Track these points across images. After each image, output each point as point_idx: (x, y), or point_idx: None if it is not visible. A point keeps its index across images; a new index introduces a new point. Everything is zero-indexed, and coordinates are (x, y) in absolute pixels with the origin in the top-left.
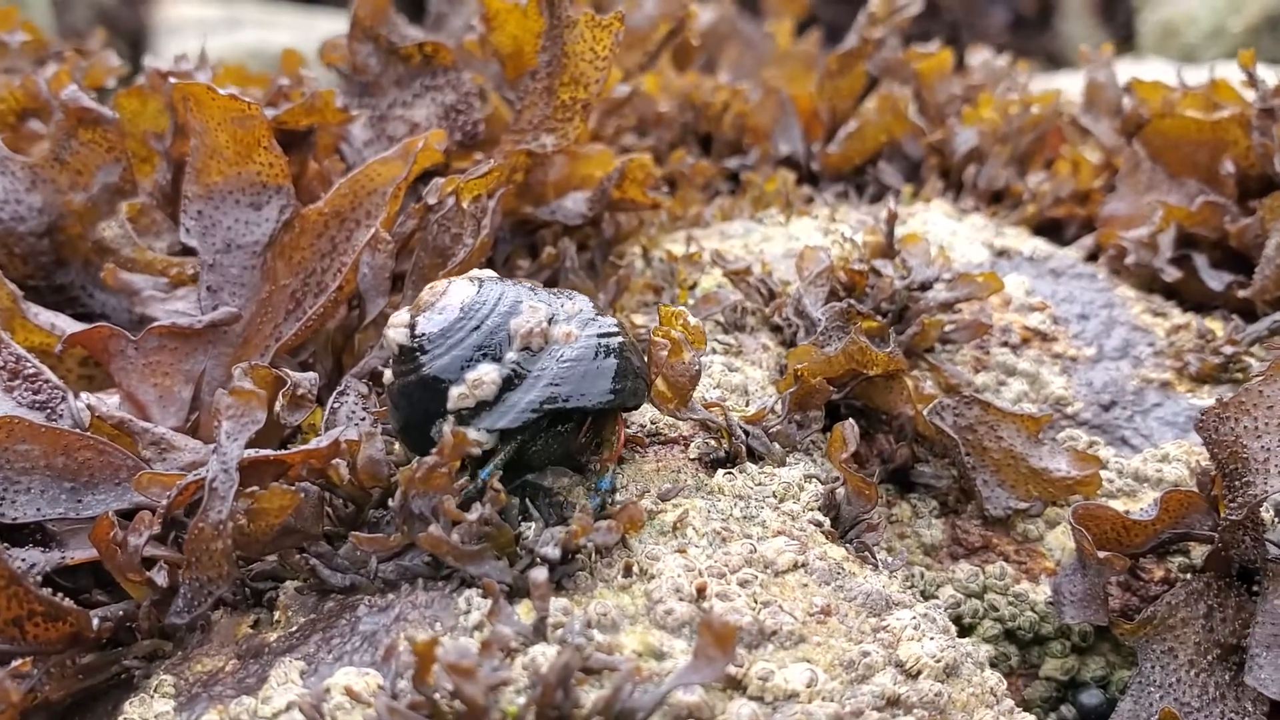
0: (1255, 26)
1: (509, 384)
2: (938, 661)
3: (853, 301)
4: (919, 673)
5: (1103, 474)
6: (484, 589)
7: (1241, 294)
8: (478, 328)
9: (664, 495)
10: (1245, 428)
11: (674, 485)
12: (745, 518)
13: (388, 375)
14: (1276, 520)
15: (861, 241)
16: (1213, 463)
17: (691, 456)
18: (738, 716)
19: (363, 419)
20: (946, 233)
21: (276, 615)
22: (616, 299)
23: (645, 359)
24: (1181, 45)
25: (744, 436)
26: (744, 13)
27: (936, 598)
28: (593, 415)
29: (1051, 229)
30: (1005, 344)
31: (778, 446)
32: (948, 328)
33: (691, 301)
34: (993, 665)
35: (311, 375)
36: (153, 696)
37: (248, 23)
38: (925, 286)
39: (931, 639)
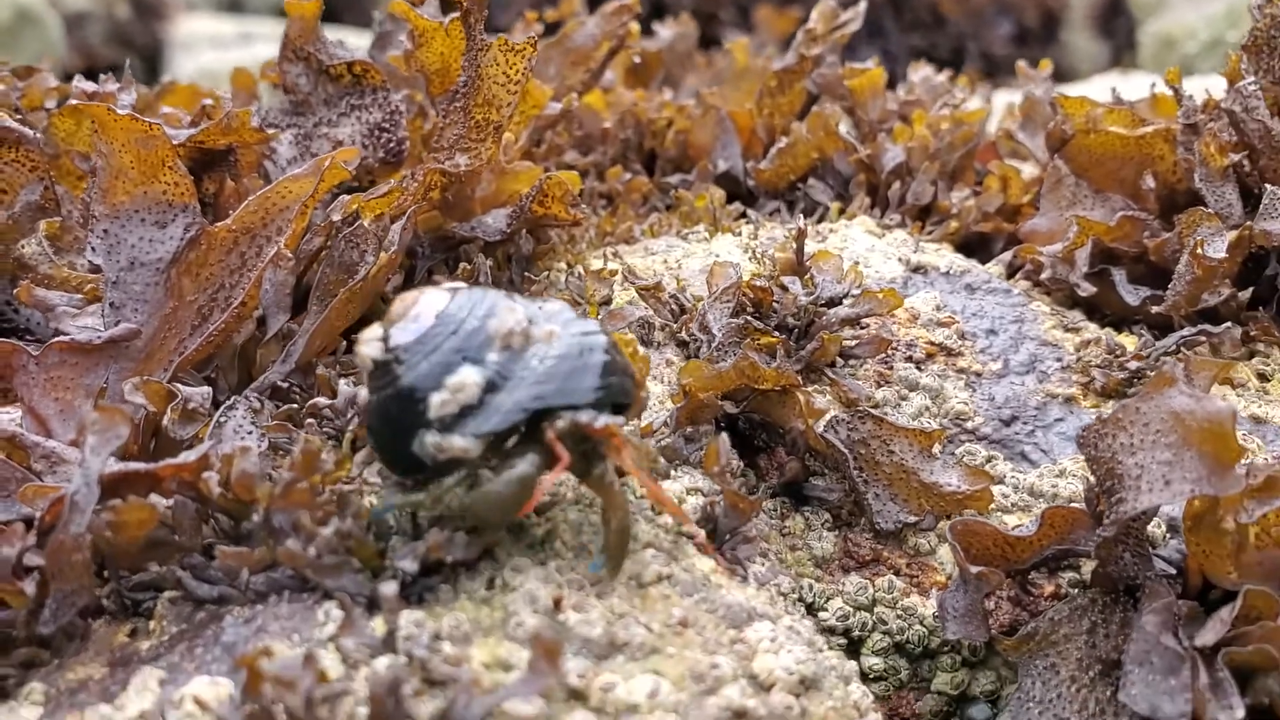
0: None
1: (492, 387)
2: (791, 674)
3: (750, 318)
4: (772, 685)
5: (998, 489)
6: (339, 602)
7: (1155, 309)
8: (455, 332)
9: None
10: (1122, 444)
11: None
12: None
13: (363, 394)
14: (1168, 536)
15: (774, 258)
16: (1094, 479)
17: None
18: None
19: (249, 433)
20: (864, 249)
21: (152, 625)
22: None
23: (627, 358)
24: (1181, 57)
25: None
26: (740, 29)
27: (826, 610)
28: (568, 436)
29: (979, 245)
30: (909, 359)
31: (663, 461)
32: (851, 343)
33: (600, 317)
34: (882, 679)
35: (204, 390)
36: (21, 704)
37: (260, 37)
38: (834, 302)
39: (789, 652)
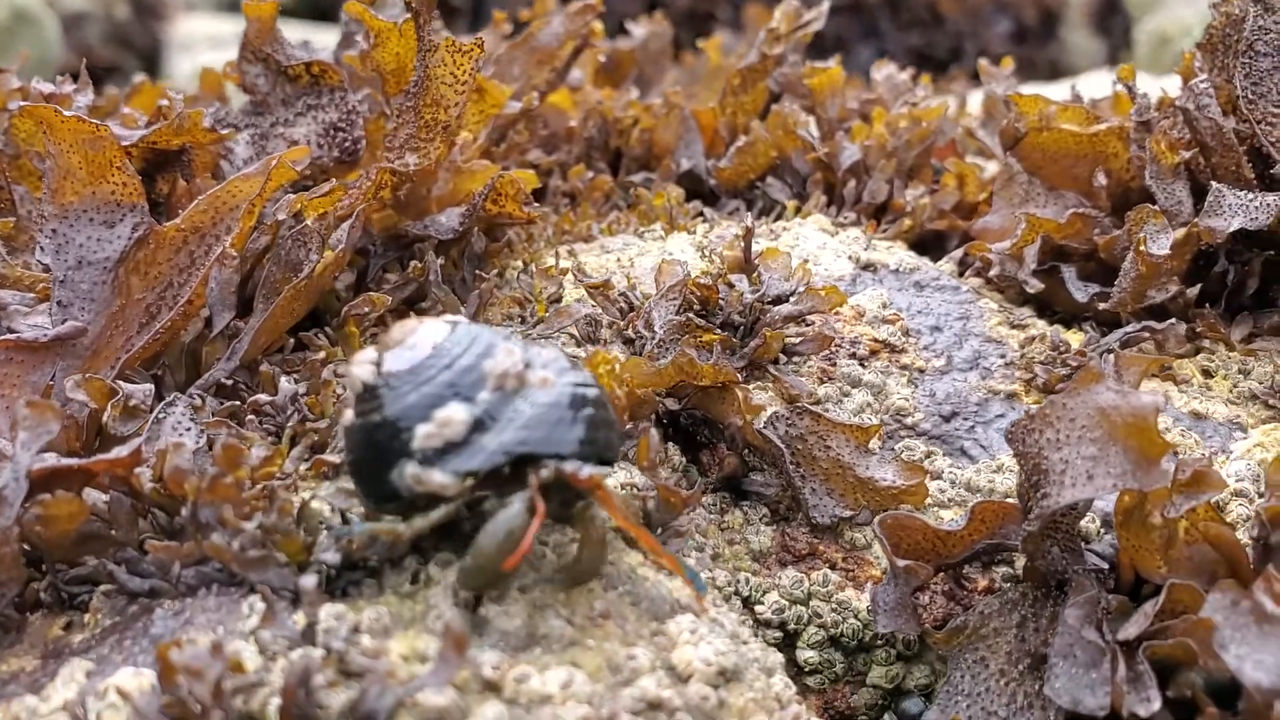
0: None
1: (479, 426)
2: (710, 666)
3: (695, 315)
4: (690, 676)
5: (936, 484)
6: (261, 595)
7: (1103, 306)
8: (449, 366)
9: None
10: (1048, 439)
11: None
12: (547, 525)
13: (349, 415)
14: (1102, 531)
15: (722, 255)
16: (1022, 474)
17: None
18: (483, 718)
19: (188, 429)
20: (815, 247)
21: (87, 618)
22: (479, 312)
23: (615, 414)
24: (1175, 54)
25: None
26: (737, 29)
27: (762, 603)
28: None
29: (935, 242)
30: (853, 356)
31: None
32: (795, 341)
33: (548, 314)
34: (817, 672)
35: (146, 387)
36: None
37: None
38: (780, 300)
39: (709, 644)
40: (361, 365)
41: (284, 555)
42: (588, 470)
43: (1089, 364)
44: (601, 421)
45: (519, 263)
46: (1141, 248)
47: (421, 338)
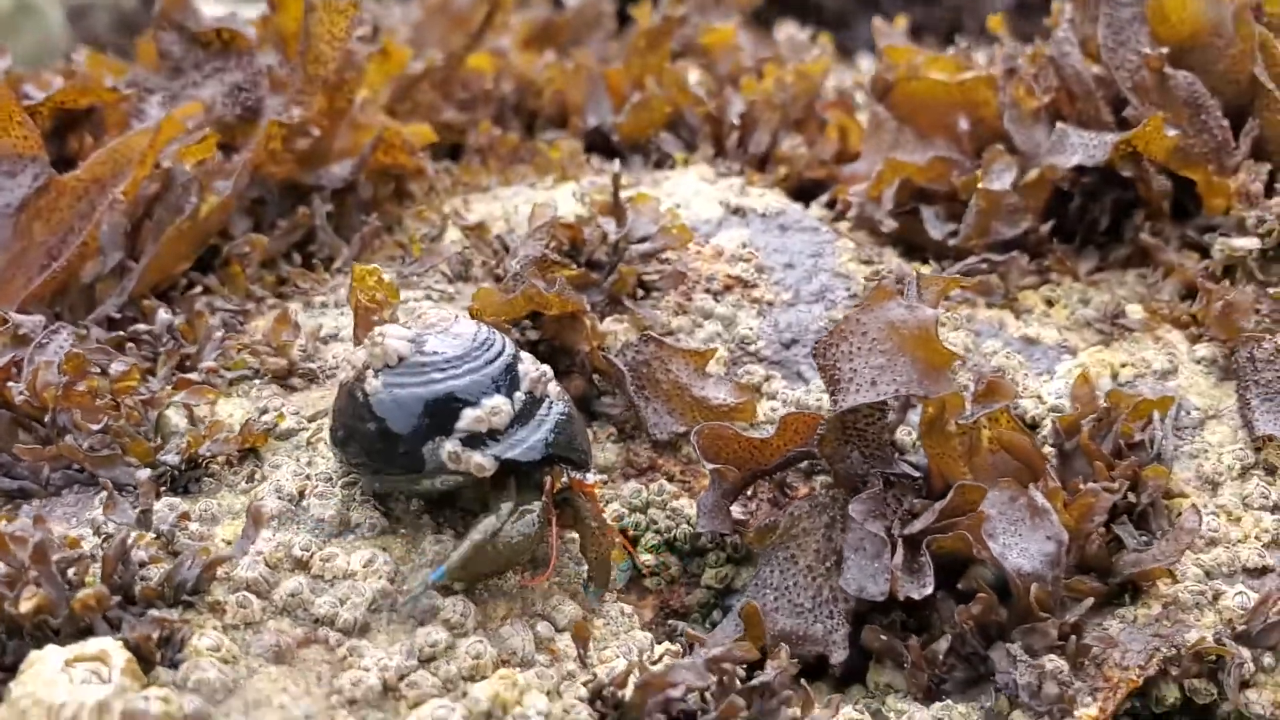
0: None
1: (518, 420)
2: None
3: (548, 252)
4: None
5: (770, 403)
6: (104, 488)
7: (951, 242)
8: (492, 361)
9: (312, 417)
10: (843, 352)
11: (327, 408)
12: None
13: (374, 383)
14: (918, 444)
15: (594, 200)
16: (825, 386)
17: None
18: (286, 588)
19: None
20: (690, 193)
21: None
22: (360, 254)
23: None
24: None
25: None
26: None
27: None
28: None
29: (815, 190)
30: (708, 291)
31: None
32: (654, 278)
33: (422, 253)
34: (655, 574)
35: (37, 318)
36: None
37: None
38: (644, 239)
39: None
40: (396, 340)
41: (133, 457)
42: (592, 477)
43: (881, 283)
44: (584, 431)
45: (413, 210)
46: (981, 184)
47: (463, 329)
